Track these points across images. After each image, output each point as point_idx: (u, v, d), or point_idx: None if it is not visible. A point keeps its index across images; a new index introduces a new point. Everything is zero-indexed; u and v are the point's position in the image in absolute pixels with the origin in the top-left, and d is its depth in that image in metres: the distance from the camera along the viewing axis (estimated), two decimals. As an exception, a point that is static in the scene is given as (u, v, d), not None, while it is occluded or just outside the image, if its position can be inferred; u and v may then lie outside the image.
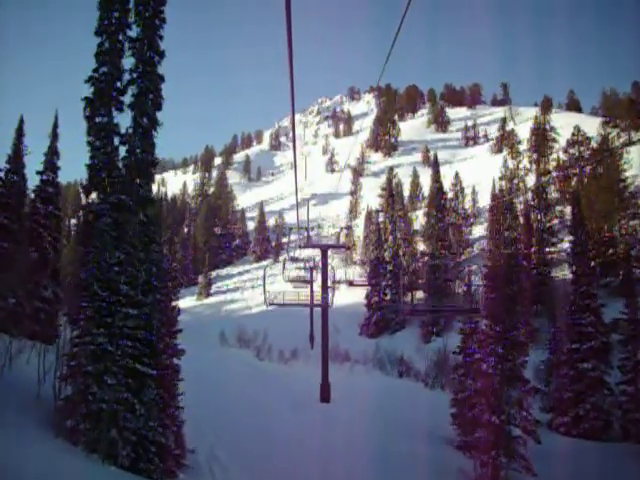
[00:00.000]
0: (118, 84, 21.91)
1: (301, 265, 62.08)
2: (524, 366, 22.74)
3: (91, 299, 18.15)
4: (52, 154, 36.05)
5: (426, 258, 77.00)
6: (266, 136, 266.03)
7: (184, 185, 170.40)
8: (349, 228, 76.93)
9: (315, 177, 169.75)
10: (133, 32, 22.45)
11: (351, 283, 59.47)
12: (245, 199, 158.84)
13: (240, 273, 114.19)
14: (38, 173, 35.38)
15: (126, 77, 22.03)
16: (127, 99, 21.98)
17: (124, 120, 22.03)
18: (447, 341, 50.43)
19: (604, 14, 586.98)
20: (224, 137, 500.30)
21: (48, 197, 35.70)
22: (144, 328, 18.63)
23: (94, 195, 21.00)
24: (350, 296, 77.32)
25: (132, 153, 21.06)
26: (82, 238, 21.79)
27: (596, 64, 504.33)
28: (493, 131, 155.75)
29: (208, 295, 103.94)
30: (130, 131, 21.38)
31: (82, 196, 23.38)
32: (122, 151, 21.33)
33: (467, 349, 27.66)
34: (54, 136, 36.27)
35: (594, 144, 79.98)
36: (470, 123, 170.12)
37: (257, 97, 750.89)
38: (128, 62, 22.30)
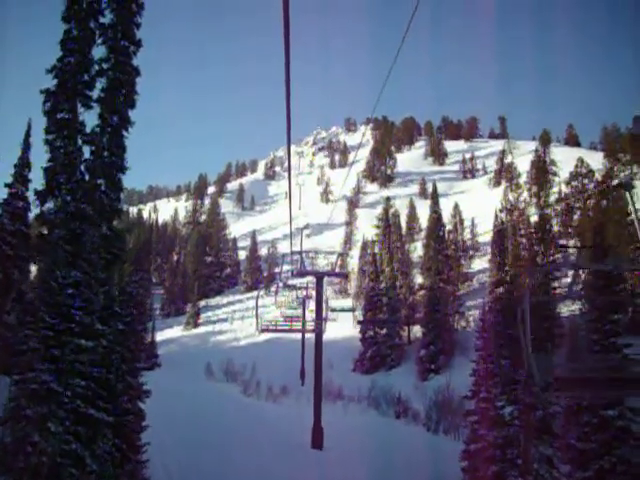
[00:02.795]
0: (86, 77, 18.67)
1: (294, 295, 58.96)
2: (555, 417, 19.37)
3: (36, 327, 14.74)
4: (23, 165, 32.72)
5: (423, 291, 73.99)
6: (260, 165, 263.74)
7: (175, 211, 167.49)
8: (346, 254, 74.02)
9: (310, 207, 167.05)
10: (106, 18, 19.32)
11: (333, 309, 56.65)
12: (238, 228, 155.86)
13: (230, 303, 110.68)
14: (6, 186, 32.09)
15: (96, 69, 18.89)
16: (96, 94, 18.83)
17: (91, 119, 18.89)
18: (449, 379, 46.86)
19: (602, 49, 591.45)
20: (218, 166, 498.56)
21: (16, 212, 32.33)
22: (101, 364, 15.20)
23: (51, 204, 17.75)
24: (344, 330, 73.86)
25: (97, 155, 17.81)
26: (33, 254, 18.41)
27: (594, 100, 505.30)
28: (491, 164, 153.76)
29: (196, 325, 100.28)
30: (97, 130, 18.11)
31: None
32: (87, 153, 18.08)
33: (480, 393, 24.23)
34: (26, 145, 33.02)
35: (598, 176, 77.76)
36: (468, 156, 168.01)
37: (253, 127, 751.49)
38: (99, 52, 19.21)
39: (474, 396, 24.85)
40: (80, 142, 17.94)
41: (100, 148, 17.84)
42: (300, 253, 36.55)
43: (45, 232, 16.87)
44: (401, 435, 37.20)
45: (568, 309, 58.44)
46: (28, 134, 33.74)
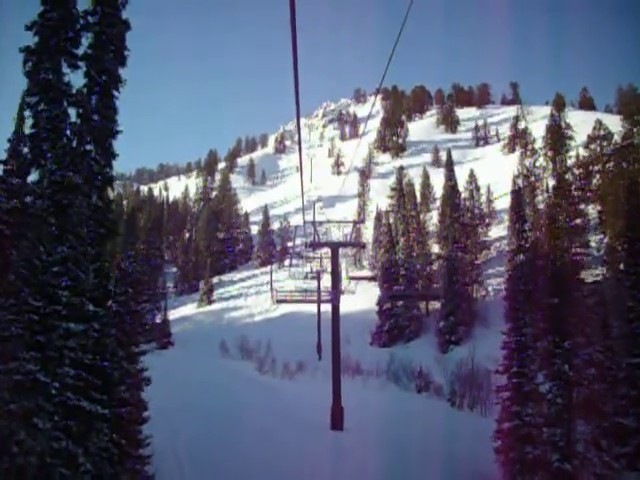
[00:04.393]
0: (70, 33, 16.78)
1: (308, 268, 57.37)
2: (605, 395, 17.49)
3: (19, 310, 13.00)
4: (18, 140, 31.01)
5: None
6: (271, 140, 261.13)
7: (186, 188, 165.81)
8: (362, 222, 72.15)
9: (321, 180, 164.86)
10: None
11: (351, 277, 55.26)
12: (249, 203, 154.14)
13: (243, 279, 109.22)
14: (1, 162, 30.41)
15: (81, 24, 16.98)
16: (82, 52, 16.96)
17: (78, 81, 17.05)
18: (472, 351, 45.08)
19: (614, 10, 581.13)
20: (228, 142, 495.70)
21: (12, 189, 30.66)
22: (93, 350, 13.47)
23: (37, 174, 15.98)
24: (360, 303, 72.18)
25: (85, 118, 15.95)
26: (15, 229, 16.60)
27: (608, 61, 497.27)
28: (504, 130, 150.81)
29: (210, 302, 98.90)
30: (84, 90, 16.25)
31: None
32: (73, 116, 16.24)
33: (511, 367, 22.34)
34: (20, 119, 31.26)
35: (617, 138, 75.32)
36: (480, 123, 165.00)
37: (262, 102, 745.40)
38: (84, 4, 17.32)
39: (505, 371, 22.90)
40: (65, 104, 16.07)
41: (88, 110, 16.03)
42: (313, 224, 34.71)
43: (28, 204, 15.12)
44: (425, 411, 35.57)
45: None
46: (22, 106, 32.08)
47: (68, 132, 15.79)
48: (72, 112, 16.09)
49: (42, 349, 12.90)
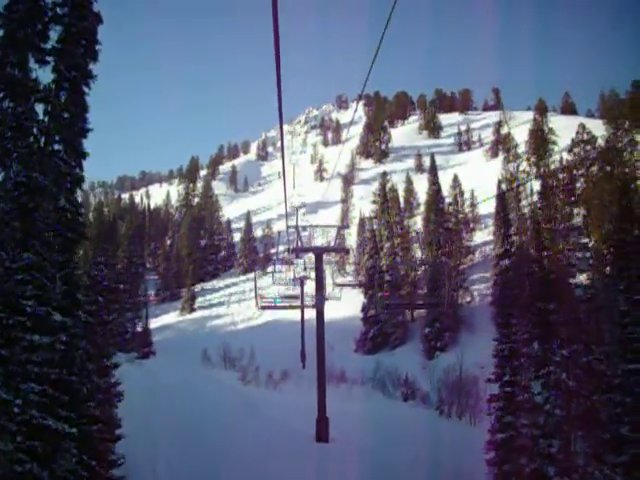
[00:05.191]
0: (39, 26, 15.80)
1: (291, 274, 56.52)
2: (605, 405, 16.62)
3: (-22, 322, 11.99)
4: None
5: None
6: (253, 147, 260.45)
7: (167, 195, 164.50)
8: (347, 227, 71.30)
9: (304, 186, 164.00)
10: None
11: (337, 284, 54.46)
12: (231, 210, 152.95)
13: (226, 286, 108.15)
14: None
15: (50, 16, 15.99)
16: (51, 46, 15.98)
17: (47, 77, 16.07)
18: (460, 357, 44.28)
19: (597, 15, 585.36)
20: (210, 149, 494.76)
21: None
22: (60, 364, 12.44)
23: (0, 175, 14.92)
24: (343, 309, 71.23)
25: (54, 115, 14.94)
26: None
27: (590, 66, 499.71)
28: (487, 135, 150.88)
29: (192, 310, 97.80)
30: (52, 86, 15.25)
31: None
32: (41, 113, 15.24)
33: (503, 375, 21.47)
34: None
35: (600, 142, 75.14)
36: (463, 128, 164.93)
37: (243, 109, 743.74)
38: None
39: (497, 379, 22.00)
40: (32, 101, 15.07)
41: (56, 107, 15.03)
42: (297, 228, 33.75)
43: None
44: (412, 421, 34.61)
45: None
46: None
47: (35, 130, 14.78)
48: (39, 109, 15.11)
49: (4, 363, 11.88)
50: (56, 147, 15.12)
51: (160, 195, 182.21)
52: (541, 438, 16.83)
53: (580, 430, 16.06)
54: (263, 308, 39.89)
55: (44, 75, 15.80)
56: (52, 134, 14.77)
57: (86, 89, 15.83)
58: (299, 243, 34.04)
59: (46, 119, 14.97)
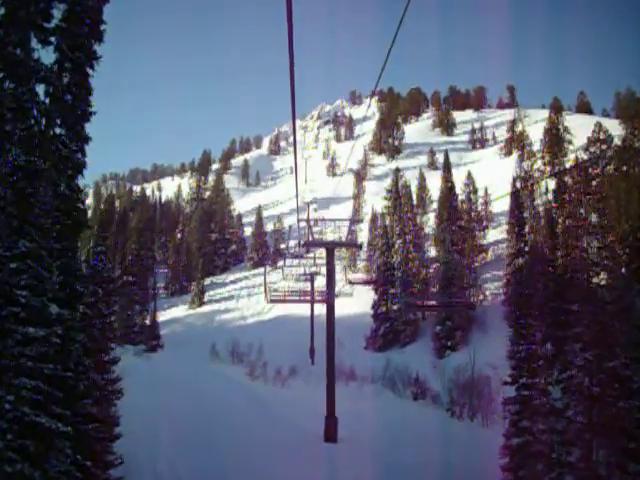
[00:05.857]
0: (41, 4, 15.07)
1: (301, 270, 55.94)
2: (631, 413, 15.77)
3: (-31, 312, 11.28)
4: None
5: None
6: (265, 141, 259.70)
7: (179, 188, 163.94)
8: (360, 221, 70.59)
9: (316, 181, 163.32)
10: None
11: (350, 281, 53.78)
12: (243, 204, 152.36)
13: (236, 280, 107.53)
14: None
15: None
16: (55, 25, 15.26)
17: (50, 59, 15.37)
18: (473, 356, 43.44)
19: (612, 14, 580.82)
20: (222, 143, 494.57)
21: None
22: (55, 358, 11.74)
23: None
24: (354, 306, 70.67)
25: (55, 97, 14.21)
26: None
27: (606, 65, 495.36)
28: (501, 133, 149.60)
29: (201, 303, 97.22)
30: (54, 67, 14.53)
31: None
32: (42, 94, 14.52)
33: (520, 378, 20.61)
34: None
35: (617, 141, 74.14)
36: (477, 125, 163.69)
37: (256, 103, 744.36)
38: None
39: (514, 381, 21.12)
40: (34, 82, 14.35)
41: (58, 88, 14.33)
42: (307, 222, 33.07)
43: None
44: (422, 422, 33.84)
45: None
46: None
47: (35, 112, 14.07)
48: (41, 90, 14.40)
49: (-5, 357, 11.21)
50: (57, 131, 14.45)
51: (172, 188, 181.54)
52: (560, 445, 16.04)
53: (603, 438, 15.24)
54: (272, 301, 39.45)
55: (46, 56, 15.12)
56: (53, 117, 14.08)
57: (90, 71, 15.14)
58: (310, 237, 33.37)
59: (47, 101, 14.28)
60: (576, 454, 15.90)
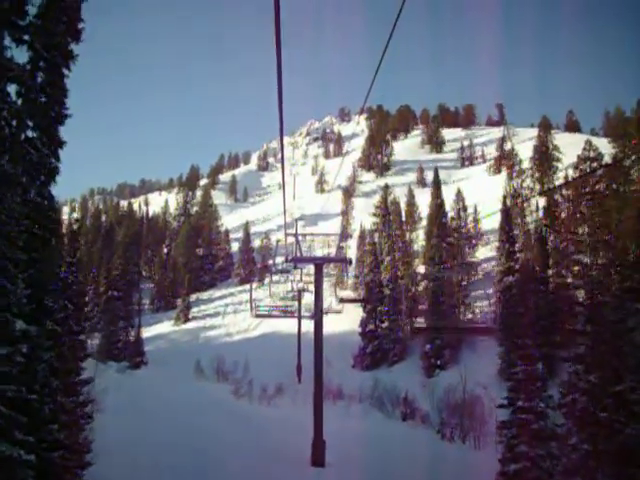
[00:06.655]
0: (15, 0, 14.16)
1: (289, 287, 55.23)
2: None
3: None
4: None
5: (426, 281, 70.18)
6: (254, 157, 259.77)
7: (166, 203, 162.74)
8: (349, 236, 69.88)
9: (304, 198, 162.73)
10: None
11: (341, 300, 52.96)
12: (230, 220, 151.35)
13: (222, 297, 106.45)
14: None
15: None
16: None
17: (23, 58, 14.45)
18: (464, 375, 42.44)
19: (601, 33, 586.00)
20: (211, 158, 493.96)
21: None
22: (18, 380, 10.71)
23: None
24: (342, 323, 69.57)
25: (28, 97, 13.27)
26: None
27: (594, 84, 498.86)
28: (490, 151, 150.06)
29: (187, 320, 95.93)
30: (28, 67, 13.60)
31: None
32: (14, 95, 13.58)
33: (517, 400, 19.67)
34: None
35: (607, 159, 74.02)
36: (466, 143, 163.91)
37: (245, 119, 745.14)
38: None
39: (511, 404, 20.15)
40: (5, 82, 13.39)
41: (31, 89, 13.40)
42: (296, 237, 32.14)
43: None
44: (412, 443, 32.73)
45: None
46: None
47: (5, 114, 13.12)
48: (12, 90, 13.46)
49: (-47, 377, 10.19)
50: (29, 134, 13.52)
51: (159, 203, 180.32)
52: (563, 475, 15.09)
53: (608, 467, 14.34)
54: (258, 316, 38.61)
55: (20, 55, 14.17)
56: (25, 119, 13.14)
57: (66, 71, 14.22)
58: (299, 253, 32.45)
59: (19, 102, 13.35)
60: (579, 483, 15.03)
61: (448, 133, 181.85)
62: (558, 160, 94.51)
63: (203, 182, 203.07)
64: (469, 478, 23.90)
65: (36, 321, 11.74)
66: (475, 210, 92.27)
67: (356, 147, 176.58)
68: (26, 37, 14.06)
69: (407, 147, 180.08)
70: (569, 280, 57.41)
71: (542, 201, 74.05)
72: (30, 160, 12.88)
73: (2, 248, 11.10)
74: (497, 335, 53.85)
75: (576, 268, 58.16)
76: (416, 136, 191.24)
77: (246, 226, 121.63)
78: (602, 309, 18.96)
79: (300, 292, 57.94)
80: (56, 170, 13.82)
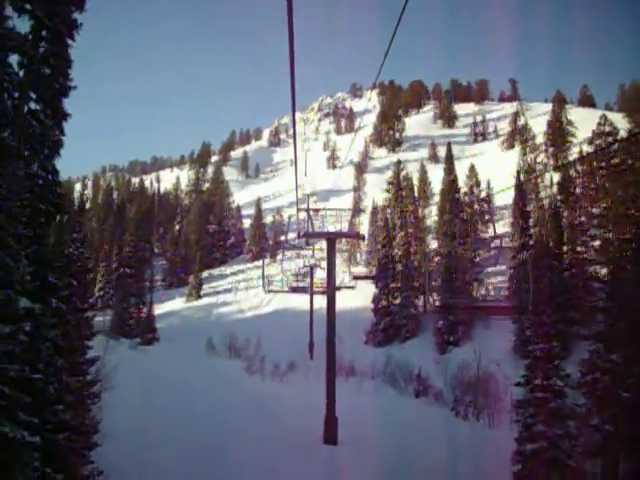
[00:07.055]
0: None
1: (300, 264, 54.96)
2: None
3: None
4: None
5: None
6: (265, 133, 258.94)
7: (177, 180, 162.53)
8: (362, 211, 69.39)
9: (316, 174, 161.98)
10: None
11: (355, 277, 52.61)
12: (242, 196, 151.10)
13: (234, 273, 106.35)
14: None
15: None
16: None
17: (25, 27, 13.96)
18: (479, 351, 41.97)
19: (615, 7, 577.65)
20: (222, 135, 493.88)
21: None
22: (21, 359, 10.38)
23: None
24: (355, 299, 69.35)
25: (30, 68, 12.82)
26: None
27: (609, 59, 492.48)
28: (503, 126, 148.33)
29: (199, 296, 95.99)
30: (30, 36, 13.14)
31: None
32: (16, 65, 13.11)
33: (534, 379, 19.23)
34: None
35: (622, 134, 73.01)
36: (479, 118, 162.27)
37: (257, 95, 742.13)
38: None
39: (528, 382, 19.69)
40: (7, 53, 12.92)
41: (34, 60, 12.95)
42: (307, 212, 31.73)
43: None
44: (426, 421, 32.37)
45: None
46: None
47: (7, 85, 12.68)
48: (14, 61, 13.00)
49: (-46, 357, 9.86)
50: (32, 106, 13.10)
51: (170, 180, 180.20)
52: (583, 455, 14.71)
53: (631, 449, 13.92)
54: (271, 291, 38.35)
55: (22, 25, 13.69)
56: (28, 90, 12.72)
57: (70, 41, 13.76)
58: (310, 228, 32.03)
59: (21, 73, 12.91)
60: (600, 465, 14.60)
61: (461, 108, 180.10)
62: (572, 135, 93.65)
63: (214, 158, 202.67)
64: (485, 457, 23.54)
65: (40, 298, 11.39)
66: (488, 186, 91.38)
67: (368, 123, 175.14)
68: (28, 6, 13.59)
69: (419, 122, 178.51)
70: (586, 256, 56.87)
71: (556, 176, 73.16)
72: (33, 133, 12.48)
73: (4, 223, 10.72)
74: (512, 312, 53.24)
75: (596, 243, 57.56)
76: (428, 111, 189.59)
77: (258, 202, 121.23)
78: (623, 285, 18.47)
79: (312, 268, 57.63)
80: (60, 143, 13.41)
